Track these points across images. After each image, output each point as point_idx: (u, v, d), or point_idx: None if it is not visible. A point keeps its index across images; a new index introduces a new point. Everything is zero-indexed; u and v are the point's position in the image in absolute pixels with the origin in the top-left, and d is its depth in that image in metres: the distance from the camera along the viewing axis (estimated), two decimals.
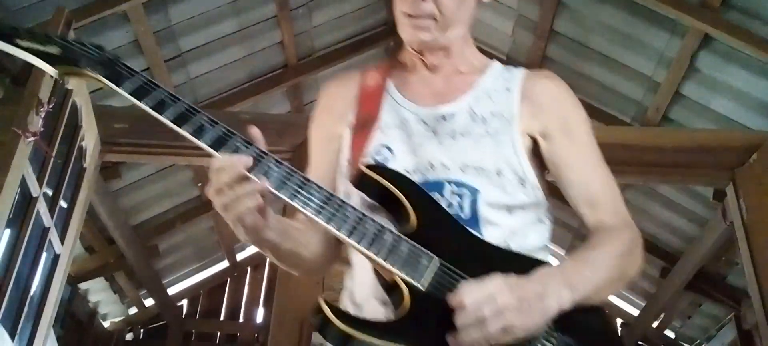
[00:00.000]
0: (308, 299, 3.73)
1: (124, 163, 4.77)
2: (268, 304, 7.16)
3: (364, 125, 1.41)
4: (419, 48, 1.44)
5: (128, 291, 6.45)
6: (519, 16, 4.71)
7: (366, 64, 5.35)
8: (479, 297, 1.10)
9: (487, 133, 1.35)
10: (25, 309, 3.01)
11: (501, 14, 4.75)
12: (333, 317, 1.12)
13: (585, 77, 4.61)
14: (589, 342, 1.23)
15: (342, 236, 1.18)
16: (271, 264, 7.34)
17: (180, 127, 1.18)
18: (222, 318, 7.44)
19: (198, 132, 1.18)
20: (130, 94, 1.20)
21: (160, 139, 3.80)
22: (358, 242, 1.18)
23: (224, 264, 7.17)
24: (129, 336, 7.21)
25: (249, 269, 7.57)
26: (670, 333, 6.40)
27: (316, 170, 1.46)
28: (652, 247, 5.24)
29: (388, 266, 1.18)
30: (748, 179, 3.58)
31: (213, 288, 7.45)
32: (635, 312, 6.35)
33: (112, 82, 1.21)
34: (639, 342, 6.45)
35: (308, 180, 1.21)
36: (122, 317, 6.97)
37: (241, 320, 7.47)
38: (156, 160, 4.50)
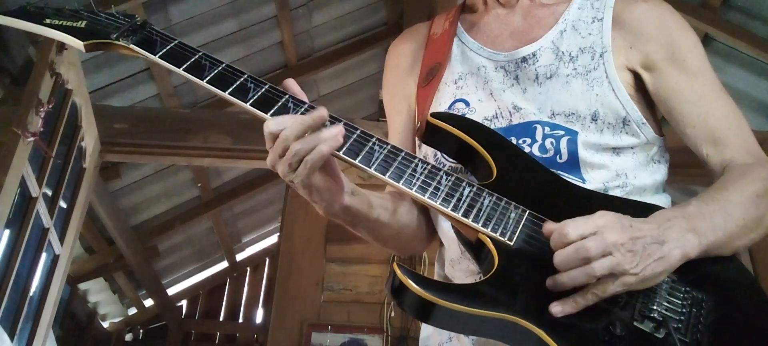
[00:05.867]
0: (307, 299, 3.74)
1: (124, 163, 4.77)
2: (267, 304, 7.15)
3: (430, 77, 1.26)
4: None
5: (128, 291, 6.46)
6: None
7: (365, 64, 5.39)
8: (584, 230, 0.93)
9: (576, 73, 1.17)
10: (25, 309, 3.01)
11: None
12: (410, 282, 0.94)
13: None
14: (729, 300, 1.02)
15: (405, 189, 1.03)
16: (271, 264, 7.35)
17: (219, 88, 1.09)
18: (221, 319, 7.45)
19: (240, 91, 1.07)
20: (165, 60, 1.12)
21: (160, 139, 3.80)
22: (430, 198, 1.02)
23: (224, 265, 7.17)
24: (128, 337, 7.22)
25: (248, 269, 7.58)
26: None
27: (394, 137, 1.34)
28: None
29: (467, 222, 1.02)
30: None
31: (212, 289, 7.46)
32: None
33: (145, 49, 1.12)
34: None
35: (368, 134, 1.06)
36: (121, 318, 6.97)
37: (240, 320, 7.47)
38: (156, 160, 4.49)
